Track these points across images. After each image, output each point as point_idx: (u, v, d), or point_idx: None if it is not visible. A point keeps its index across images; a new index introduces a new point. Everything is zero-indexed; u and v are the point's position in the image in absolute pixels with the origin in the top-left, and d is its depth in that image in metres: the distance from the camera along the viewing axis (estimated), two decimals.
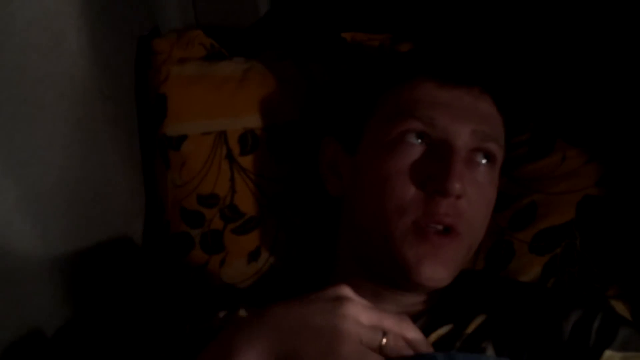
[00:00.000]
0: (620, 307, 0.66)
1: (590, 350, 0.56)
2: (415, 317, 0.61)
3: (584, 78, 0.75)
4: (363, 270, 0.64)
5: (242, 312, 0.64)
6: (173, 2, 0.87)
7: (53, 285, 0.66)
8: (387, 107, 0.64)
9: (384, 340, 0.46)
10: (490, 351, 0.57)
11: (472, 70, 0.65)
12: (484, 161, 0.62)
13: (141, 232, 0.79)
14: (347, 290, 0.48)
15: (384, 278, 0.63)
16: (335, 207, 0.69)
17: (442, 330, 0.60)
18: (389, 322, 0.48)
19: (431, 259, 0.59)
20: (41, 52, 0.60)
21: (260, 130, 0.76)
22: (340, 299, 0.47)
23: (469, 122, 0.61)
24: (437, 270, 0.59)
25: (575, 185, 0.71)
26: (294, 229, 0.76)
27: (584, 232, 0.70)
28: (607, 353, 0.56)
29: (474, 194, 0.61)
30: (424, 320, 0.62)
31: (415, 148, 0.61)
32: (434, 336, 0.59)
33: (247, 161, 0.75)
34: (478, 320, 0.60)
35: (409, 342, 0.48)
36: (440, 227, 0.60)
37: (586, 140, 0.72)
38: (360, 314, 0.47)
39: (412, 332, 0.48)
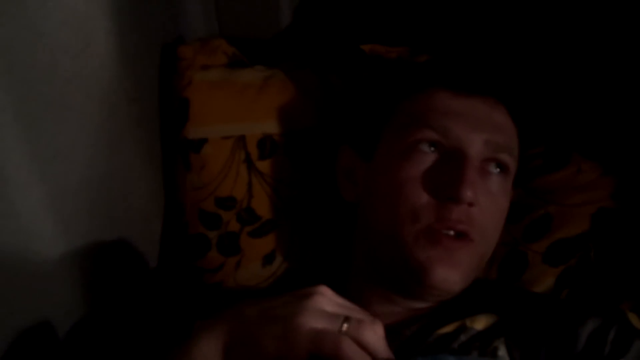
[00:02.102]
0: (635, 320, 0.66)
1: None
2: (420, 316, 0.62)
3: (599, 92, 0.75)
4: (376, 275, 0.65)
5: None
6: (198, 13, 0.89)
7: (72, 282, 0.67)
8: (403, 115, 0.66)
9: (345, 326, 0.45)
10: (502, 351, 0.57)
11: (486, 80, 0.66)
12: (496, 171, 0.63)
13: (160, 233, 0.80)
14: (321, 289, 0.48)
15: (397, 284, 0.63)
16: (350, 213, 0.70)
17: (447, 328, 0.60)
18: (356, 315, 0.46)
19: (444, 262, 0.59)
20: (71, 53, 0.61)
21: (279, 135, 0.77)
22: (309, 295, 0.47)
23: (482, 131, 0.62)
24: (450, 273, 0.59)
25: (590, 198, 0.71)
26: (310, 234, 0.77)
27: (598, 245, 0.70)
28: None
29: (486, 203, 0.61)
30: (428, 317, 0.62)
31: (428, 156, 0.62)
32: (436, 334, 0.59)
33: (265, 166, 0.76)
34: (489, 320, 0.60)
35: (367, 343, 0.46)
36: (452, 233, 0.60)
37: (601, 153, 0.73)
38: (325, 306, 0.46)
39: (380, 330, 0.47)
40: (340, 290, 0.65)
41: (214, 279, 0.76)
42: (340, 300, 0.48)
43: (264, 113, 0.77)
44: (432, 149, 0.62)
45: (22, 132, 0.58)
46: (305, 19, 0.92)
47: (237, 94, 0.78)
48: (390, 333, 0.49)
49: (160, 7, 0.80)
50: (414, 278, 0.60)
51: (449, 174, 0.60)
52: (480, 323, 0.60)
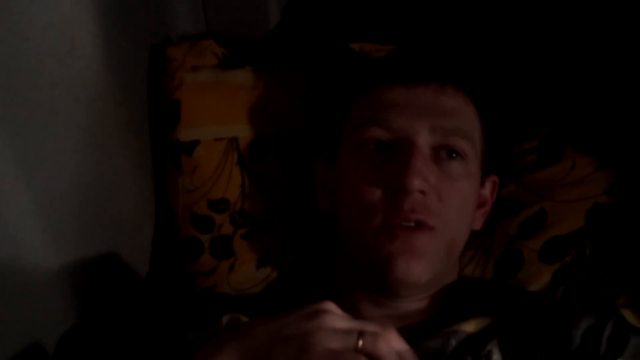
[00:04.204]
0: (629, 316, 0.66)
1: (601, 359, 0.56)
2: (417, 326, 0.62)
3: (593, 85, 0.74)
4: (357, 278, 0.65)
5: (244, 318, 0.64)
6: (185, 14, 0.88)
7: (61, 290, 0.66)
8: (353, 117, 0.67)
9: (360, 342, 0.44)
10: (496, 355, 0.57)
11: (424, 67, 0.67)
12: (452, 156, 0.63)
13: (151, 238, 0.79)
14: (327, 305, 0.47)
15: (373, 283, 0.63)
16: (331, 221, 0.70)
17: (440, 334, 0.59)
18: (369, 328, 0.45)
19: (404, 255, 0.59)
20: (56, 57, 0.61)
21: (271, 137, 0.77)
22: (318, 313, 0.46)
23: (426, 118, 0.62)
24: (412, 265, 0.59)
25: (585, 193, 0.71)
26: (304, 236, 0.76)
27: (593, 241, 0.70)
28: None
29: (445, 189, 0.61)
30: (425, 327, 0.61)
31: (377, 152, 0.63)
32: (427, 340, 0.59)
33: (257, 167, 0.76)
34: (482, 322, 0.60)
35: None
36: (412, 224, 0.60)
37: (596, 147, 0.72)
38: (336, 323, 0.45)
39: (394, 341, 0.46)
40: (331, 295, 0.66)
41: (207, 283, 0.75)
42: (345, 314, 0.47)
43: (256, 114, 0.77)
44: (380, 144, 0.63)
45: (8, 137, 0.57)
46: (295, 17, 0.91)
47: (229, 95, 0.77)
48: None
49: (146, 8, 0.79)
50: (380, 274, 0.60)
51: (396, 165, 0.61)
52: (471, 325, 0.60)
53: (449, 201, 0.62)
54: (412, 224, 0.60)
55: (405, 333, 0.59)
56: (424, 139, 0.62)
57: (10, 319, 0.60)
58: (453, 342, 0.58)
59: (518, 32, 0.79)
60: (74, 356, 0.67)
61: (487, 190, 0.69)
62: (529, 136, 0.75)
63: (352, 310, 0.62)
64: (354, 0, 0.88)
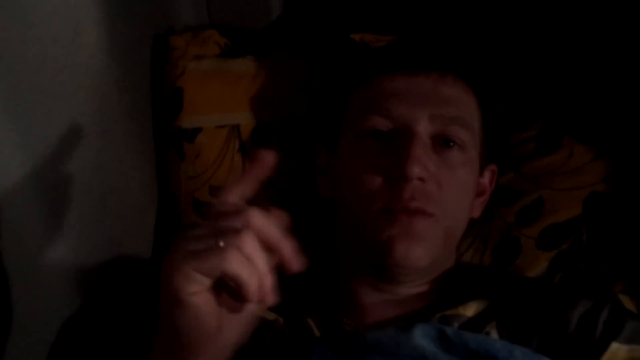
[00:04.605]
0: (627, 302, 0.66)
1: (597, 342, 0.57)
2: (417, 311, 0.62)
3: (591, 74, 0.75)
4: (356, 263, 0.66)
5: None
6: (188, 7, 0.89)
7: (64, 276, 0.67)
8: (354, 105, 0.67)
9: (221, 243, 0.42)
10: (494, 336, 0.57)
11: (424, 56, 0.67)
12: (450, 144, 0.63)
13: (153, 224, 0.80)
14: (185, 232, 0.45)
15: (372, 268, 0.64)
16: (330, 207, 0.70)
17: (440, 314, 0.60)
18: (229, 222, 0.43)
19: (403, 238, 0.60)
20: (60, 43, 0.61)
21: (273, 125, 0.78)
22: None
23: (426, 107, 0.63)
24: (411, 248, 0.60)
25: (582, 182, 0.72)
26: (304, 223, 0.77)
27: (590, 228, 0.71)
28: (614, 345, 0.56)
29: (444, 177, 0.62)
30: (424, 312, 0.62)
31: (378, 140, 0.63)
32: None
33: None
34: (480, 305, 0.61)
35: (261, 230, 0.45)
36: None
37: (594, 136, 0.73)
38: (195, 230, 0.44)
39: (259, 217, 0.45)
40: (332, 281, 0.66)
41: None
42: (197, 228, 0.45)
43: (258, 103, 0.78)
44: (380, 132, 0.63)
45: (12, 123, 0.58)
46: (296, 9, 0.92)
47: (231, 83, 0.78)
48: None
49: None
50: (379, 258, 0.61)
51: (396, 153, 0.61)
52: (471, 309, 0.61)
53: (448, 189, 0.62)
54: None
55: (405, 318, 0.60)
56: (423, 128, 0.62)
57: (15, 305, 0.61)
58: (455, 324, 0.59)
59: (517, 23, 0.80)
60: (77, 341, 0.68)
61: (486, 179, 0.70)
62: (527, 125, 0.75)
63: (351, 295, 0.64)
64: None
